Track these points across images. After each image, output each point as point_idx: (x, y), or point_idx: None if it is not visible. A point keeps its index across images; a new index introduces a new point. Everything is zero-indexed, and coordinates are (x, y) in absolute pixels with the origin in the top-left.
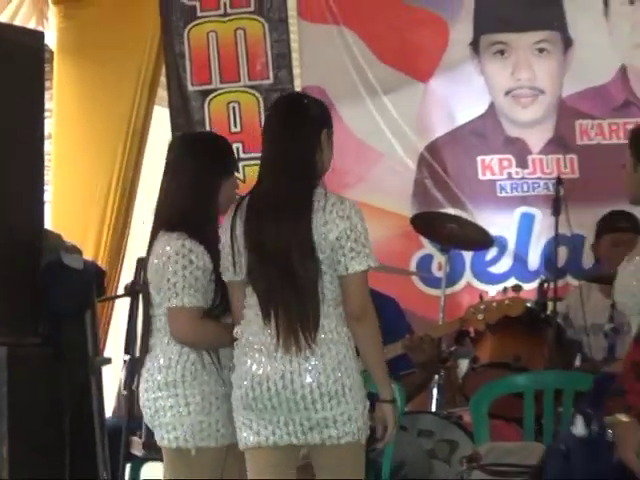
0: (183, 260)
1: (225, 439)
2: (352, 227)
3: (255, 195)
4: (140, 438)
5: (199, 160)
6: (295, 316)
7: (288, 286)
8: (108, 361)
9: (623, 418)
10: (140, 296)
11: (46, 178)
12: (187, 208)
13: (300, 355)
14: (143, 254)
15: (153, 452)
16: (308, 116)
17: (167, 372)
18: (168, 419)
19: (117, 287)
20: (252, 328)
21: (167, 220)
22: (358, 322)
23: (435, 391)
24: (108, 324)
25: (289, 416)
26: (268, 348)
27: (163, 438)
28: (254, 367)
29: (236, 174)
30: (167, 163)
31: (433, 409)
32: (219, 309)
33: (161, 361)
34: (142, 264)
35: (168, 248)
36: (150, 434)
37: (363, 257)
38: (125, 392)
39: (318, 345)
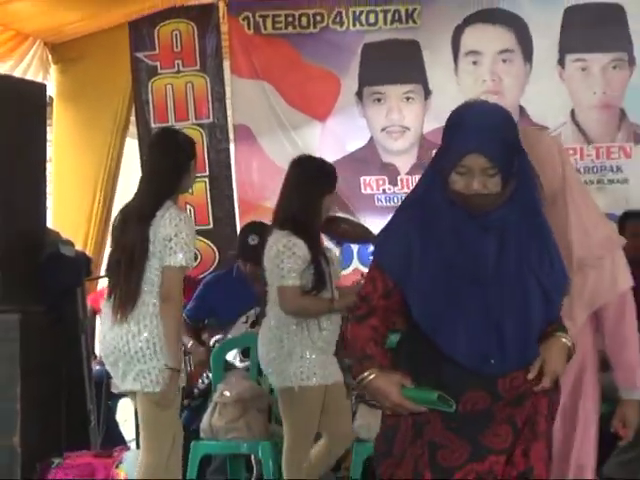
0: (289, 251)
1: (320, 379)
2: (178, 232)
3: (125, 206)
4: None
5: (312, 179)
6: (123, 294)
7: (125, 272)
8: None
9: (372, 375)
10: None
11: (48, 190)
12: (296, 212)
13: (124, 323)
14: None
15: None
16: (179, 145)
17: (276, 331)
18: (275, 366)
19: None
20: (107, 303)
21: (279, 220)
22: (162, 302)
23: None
24: None
25: (123, 368)
26: (110, 319)
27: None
28: (105, 333)
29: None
30: (287, 177)
31: None
32: (317, 288)
33: (272, 322)
34: None
35: (278, 242)
36: None
37: (179, 256)
38: None
39: (138, 315)
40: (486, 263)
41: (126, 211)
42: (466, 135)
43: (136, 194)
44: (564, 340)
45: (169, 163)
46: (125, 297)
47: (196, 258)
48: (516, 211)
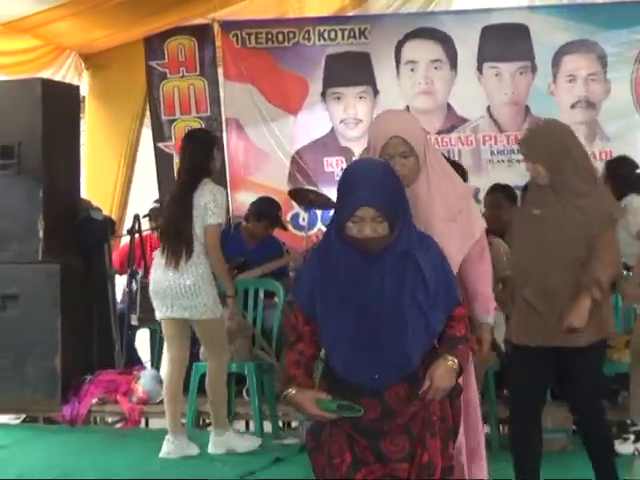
0: None
1: None
2: (214, 200)
3: (171, 191)
4: (136, 314)
5: None
6: (177, 248)
7: (176, 233)
8: (117, 272)
9: (292, 392)
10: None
11: (81, 168)
12: None
13: (178, 269)
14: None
15: (144, 323)
16: (202, 140)
17: None
18: None
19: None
20: (159, 253)
21: None
22: (209, 252)
23: None
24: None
25: (173, 301)
26: (163, 265)
27: None
28: (158, 274)
29: None
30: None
31: None
32: None
33: None
34: (137, 218)
35: None
36: (144, 311)
37: (217, 216)
38: (127, 289)
39: (189, 265)
40: (370, 296)
41: (173, 193)
42: (357, 191)
43: (179, 182)
44: (450, 362)
45: (199, 154)
46: (180, 252)
47: None
48: (399, 249)
